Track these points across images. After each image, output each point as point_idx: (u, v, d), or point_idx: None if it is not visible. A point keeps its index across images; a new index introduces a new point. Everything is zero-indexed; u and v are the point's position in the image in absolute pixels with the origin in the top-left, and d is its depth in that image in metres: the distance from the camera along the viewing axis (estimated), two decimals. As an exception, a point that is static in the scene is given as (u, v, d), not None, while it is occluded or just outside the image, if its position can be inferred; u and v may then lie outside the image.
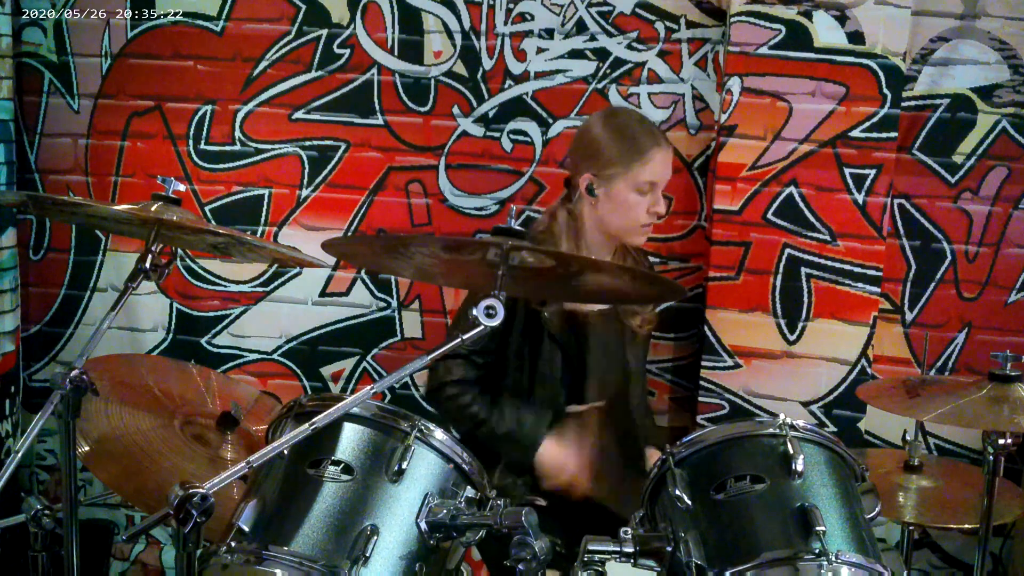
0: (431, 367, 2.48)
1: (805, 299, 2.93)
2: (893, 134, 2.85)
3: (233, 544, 1.65)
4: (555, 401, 2.53)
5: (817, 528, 1.68)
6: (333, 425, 1.72)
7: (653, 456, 2.63)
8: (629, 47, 3.03)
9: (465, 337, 1.72)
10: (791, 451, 1.78)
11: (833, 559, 1.66)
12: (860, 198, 2.88)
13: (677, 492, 1.80)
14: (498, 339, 2.47)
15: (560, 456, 2.46)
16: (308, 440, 1.65)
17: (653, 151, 2.46)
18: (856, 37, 2.82)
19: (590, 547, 1.80)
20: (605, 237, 2.54)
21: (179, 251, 3.10)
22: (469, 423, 2.49)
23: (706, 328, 2.96)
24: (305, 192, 3.17)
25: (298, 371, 3.25)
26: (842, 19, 2.81)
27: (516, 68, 3.06)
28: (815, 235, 2.90)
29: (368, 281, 3.20)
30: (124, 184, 3.20)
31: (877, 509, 1.87)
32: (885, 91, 2.83)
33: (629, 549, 1.80)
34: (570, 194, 2.56)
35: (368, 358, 3.23)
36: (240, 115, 3.15)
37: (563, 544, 2.35)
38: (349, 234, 3.14)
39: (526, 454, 2.46)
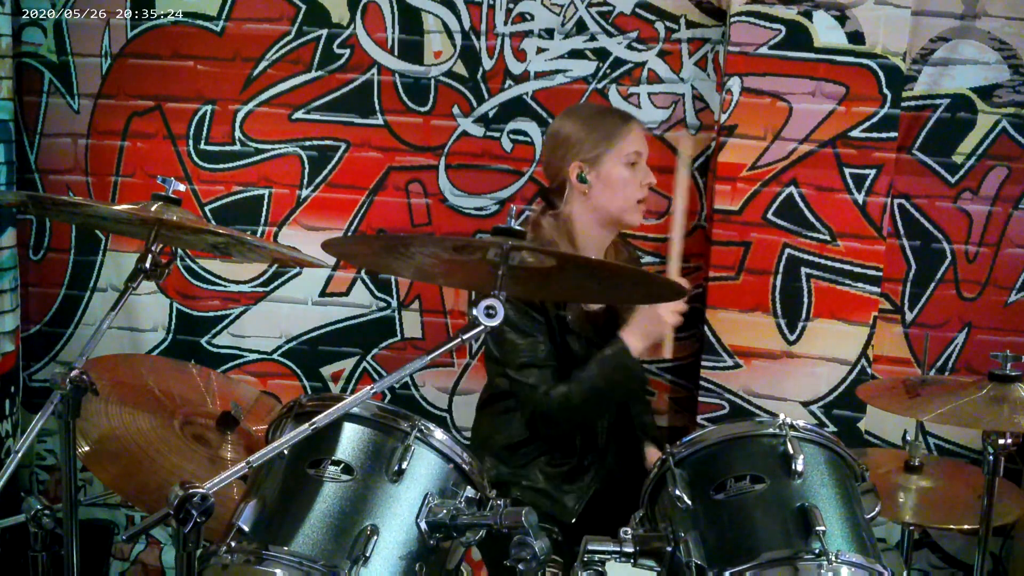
0: (530, 395, 2.43)
1: (805, 299, 2.93)
2: (893, 134, 2.85)
3: (233, 544, 1.65)
4: None
5: (817, 528, 1.68)
6: (333, 425, 1.72)
7: (652, 454, 2.64)
8: (629, 47, 3.03)
9: (465, 337, 1.72)
10: (791, 451, 1.78)
11: (833, 559, 1.66)
12: (860, 198, 2.88)
13: (677, 492, 1.80)
14: (554, 343, 2.47)
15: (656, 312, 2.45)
16: (308, 440, 1.65)
17: (630, 123, 2.53)
18: (856, 37, 2.82)
19: (590, 547, 1.80)
20: (601, 230, 2.54)
21: (179, 251, 3.10)
22: (577, 401, 2.41)
23: (706, 328, 2.96)
24: (305, 192, 3.17)
25: (298, 371, 3.25)
26: (842, 19, 2.81)
27: (516, 68, 3.06)
28: (815, 235, 2.90)
29: (368, 281, 3.20)
30: (124, 184, 3.20)
31: (877, 509, 1.87)
32: (885, 91, 2.83)
33: (629, 549, 1.80)
34: (553, 201, 2.55)
35: (368, 358, 3.23)
36: (240, 115, 3.15)
37: (559, 533, 2.37)
38: (349, 234, 3.14)
39: (631, 377, 2.46)
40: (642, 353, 2.46)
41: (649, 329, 2.46)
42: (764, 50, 2.85)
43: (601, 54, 3.04)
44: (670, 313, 2.45)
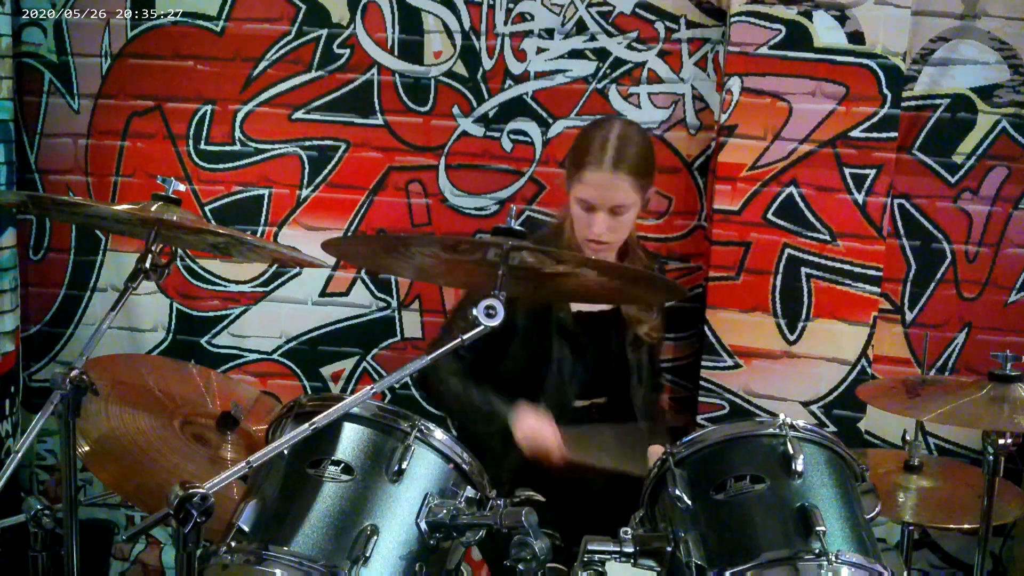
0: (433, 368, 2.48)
1: (805, 299, 2.93)
2: (893, 134, 2.85)
3: (233, 544, 1.65)
4: (564, 394, 2.54)
5: (817, 528, 1.68)
6: (333, 425, 1.72)
7: (654, 454, 2.63)
8: (629, 47, 3.03)
9: (465, 337, 1.72)
10: (791, 451, 1.78)
11: (833, 559, 1.66)
12: (860, 198, 2.88)
13: (677, 492, 1.80)
14: (499, 334, 2.45)
15: (536, 423, 2.39)
16: (308, 440, 1.66)
17: (589, 171, 2.39)
18: (856, 37, 2.82)
19: (590, 547, 1.81)
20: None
21: (179, 251, 3.10)
22: (450, 399, 2.54)
23: (706, 328, 2.96)
24: (305, 192, 3.17)
25: (298, 371, 3.24)
26: (842, 19, 2.81)
27: (516, 68, 3.06)
28: (815, 235, 2.90)
29: (368, 281, 3.20)
30: (124, 184, 3.19)
31: (877, 509, 1.88)
32: (885, 91, 2.83)
33: (629, 549, 1.80)
34: None
35: (368, 358, 3.23)
36: (240, 115, 3.15)
37: (561, 539, 2.36)
38: (349, 234, 3.14)
39: (491, 424, 2.43)
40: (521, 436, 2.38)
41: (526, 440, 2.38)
42: (764, 50, 2.85)
43: (601, 54, 3.03)
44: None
